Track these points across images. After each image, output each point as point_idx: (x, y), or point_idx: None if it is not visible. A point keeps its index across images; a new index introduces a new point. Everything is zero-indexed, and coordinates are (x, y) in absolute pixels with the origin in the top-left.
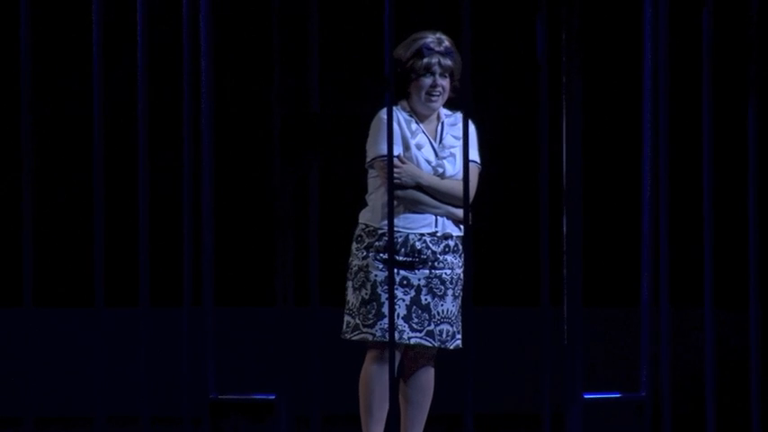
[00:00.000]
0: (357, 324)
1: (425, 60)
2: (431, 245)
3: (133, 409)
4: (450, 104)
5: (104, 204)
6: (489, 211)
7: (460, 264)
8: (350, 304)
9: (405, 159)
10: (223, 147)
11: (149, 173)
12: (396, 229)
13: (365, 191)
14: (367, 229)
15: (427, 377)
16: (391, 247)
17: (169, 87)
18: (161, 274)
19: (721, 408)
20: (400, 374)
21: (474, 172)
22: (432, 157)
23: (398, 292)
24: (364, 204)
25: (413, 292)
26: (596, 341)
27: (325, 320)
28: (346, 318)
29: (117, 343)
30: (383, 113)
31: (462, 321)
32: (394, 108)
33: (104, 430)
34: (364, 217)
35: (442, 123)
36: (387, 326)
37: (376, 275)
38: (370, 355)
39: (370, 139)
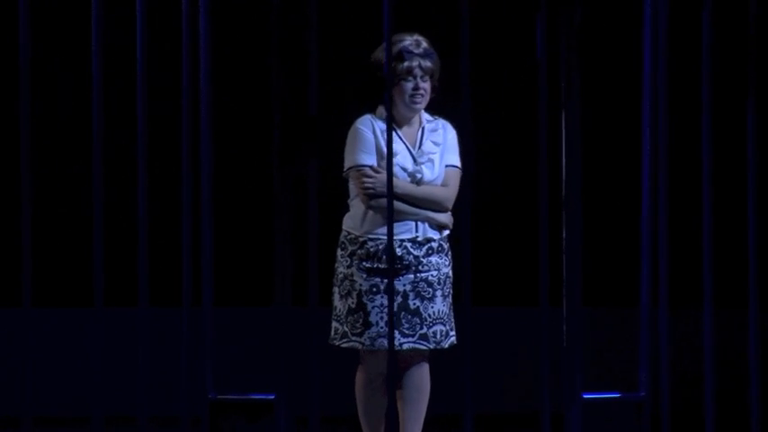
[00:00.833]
0: (345, 332)
1: (406, 64)
2: (412, 250)
3: (132, 408)
4: (431, 107)
5: (103, 204)
6: (488, 211)
7: (447, 263)
8: (337, 310)
9: (379, 169)
10: (222, 147)
11: (149, 173)
12: (375, 236)
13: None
14: (349, 237)
15: (421, 374)
16: (392, 250)
17: (168, 88)
18: (160, 274)
19: (720, 408)
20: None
21: (454, 177)
22: (408, 164)
23: (384, 300)
24: (347, 209)
25: (399, 299)
26: (595, 341)
27: (323, 321)
28: (334, 324)
29: (116, 343)
30: (359, 123)
31: (456, 320)
32: (370, 116)
33: (103, 430)
34: (346, 223)
35: (423, 129)
36: (375, 334)
37: (361, 285)
38: (360, 369)
39: (346, 149)
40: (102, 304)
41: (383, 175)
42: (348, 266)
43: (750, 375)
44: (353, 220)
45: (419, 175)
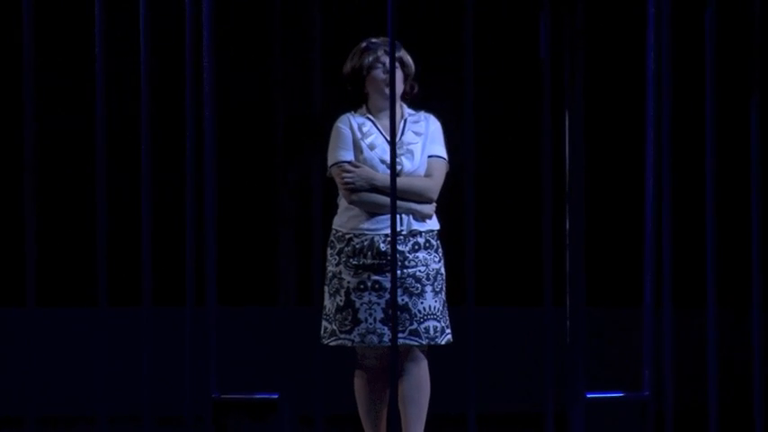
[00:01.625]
0: (334, 330)
1: (371, 54)
2: (397, 245)
3: (136, 408)
4: (416, 104)
5: (107, 204)
6: (491, 210)
7: (437, 259)
8: (326, 309)
9: (357, 164)
10: (226, 146)
11: (152, 173)
12: (360, 231)
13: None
14: (337, 234)
15: (419, 372)
16: (394, 249)
17: (172, 87)
18: (164, 273)
19: (724, 407)
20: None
21: (439, 167)
22: (388, 156)
23: (372, 297)
24: (336, 208)
25: (387, 295)
26: (599, 341)
27: None
28: (323, 323)
29: (120, 342)
30: (339, 122)
31: (459, 320)
32: (348, 114)
33: (107, 429)
34: (335, 222)
35: (405, 121)
36: (364, 331)
37: (349, 282)
38: (357, 370)
39: (328, 148)
40: (105, 304)
41: (362, 170)
42: (336, 264)
43: (753, 375)
44: (340, 217)
45: (399, 167)
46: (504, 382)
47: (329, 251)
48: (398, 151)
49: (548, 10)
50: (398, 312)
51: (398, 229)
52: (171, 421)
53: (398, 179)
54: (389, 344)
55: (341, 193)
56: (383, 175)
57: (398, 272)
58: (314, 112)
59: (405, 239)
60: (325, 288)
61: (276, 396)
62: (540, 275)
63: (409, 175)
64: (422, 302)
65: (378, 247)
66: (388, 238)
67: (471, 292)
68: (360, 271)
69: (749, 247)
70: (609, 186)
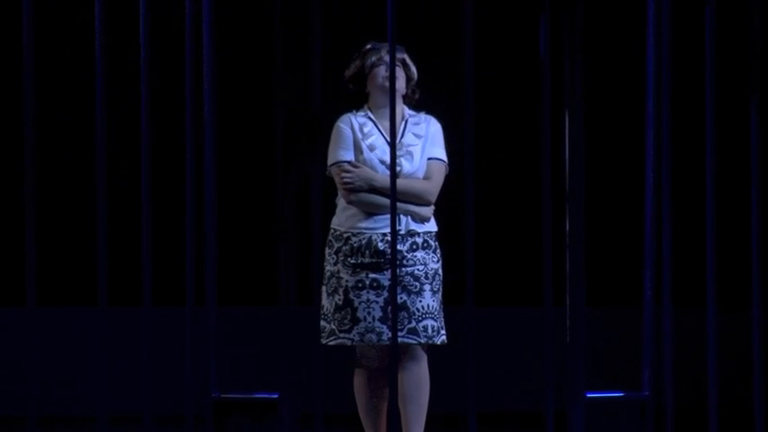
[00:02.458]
0: (333, 329)
1: (374, 54)
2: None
3: (136, 407)
4: (417, 106)
5: (107, 204)
6: (491, 211)
7: (435, 259)
8: (324, 309)
9: (357, 164)
10: (226, 146)
11: (152, 172)
12: (358, 230)
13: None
14: (335, 234)
15: (419, 371)
16: (393, 249)
17: (172, 87)
18: (164, 273)
19: (724, 407)
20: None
21: (439, 170)
22: (387, 157)
23: (371, 296)
24: (334, 208)
25: (386, 293)
26: (599, 340)
27: None
28: (322, 323)
29: (120, 342)
30: (340, 122)
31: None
32: (349, 114)
33: (107, 429)
34: (333, 222)
35: (406, 122)
36: (363, 329)
37: (347, 281)
38: (356, 368)
39: (329, 147)
40: (105, 303)
41: (361, 170)
42: (335, 264)
43: (753, 374)
44: (338, 216)
45: (398, 168)
46: (504, 381)
47: (327, 251)
48: (398, 152)
49: (547, 11)
50: (397, 311)
51: (397, 229)
52: (171, 421)
53: (398, 181)
54: (388, 342)
55: (340, 192)
56: (382, 176)
57: (396, 270)
58: (314, 111)
59: (403, 239)
60: (323, 288)
61: (276, 396)
62: (540, 275)
63: (408, 176)
64: (420, 301)
65: (376, 246)
66: (386, 237)
67: (471, 292)
68: (358, 270)
69: (749, 246)
70: (609, 186)
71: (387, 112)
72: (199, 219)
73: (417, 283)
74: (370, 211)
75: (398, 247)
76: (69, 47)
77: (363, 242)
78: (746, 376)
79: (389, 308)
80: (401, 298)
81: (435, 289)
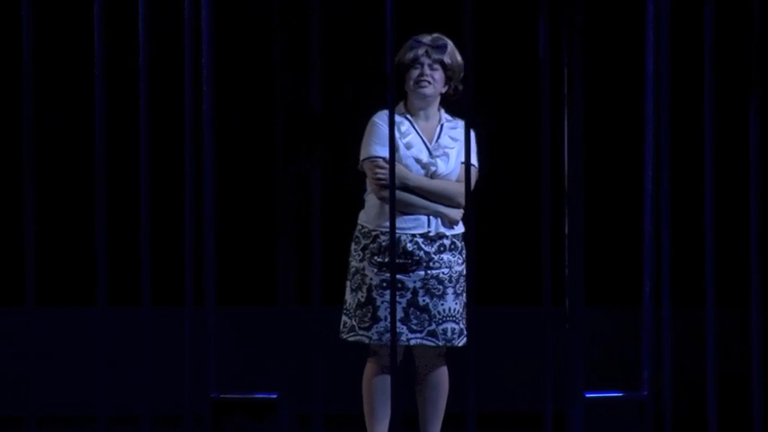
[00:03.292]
0: (353, 325)
1: (412, 53)
2: (423, 246)
3: (135, 407)
4: (452, 109)
5: (106, 203)
6: (490, 210)
7: (460, 261)
8: (347, 304)
9: None
10: (225, 146)
11: (152, 172)
12: (387, 229)
13: (365, 190)
14: (363, 230)
15: (439, 375)
16: (393, 248)
17: (171, 87)
18: (163, 273)
19: (723, 407)
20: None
21: (472, 175)
22: (423, 156)
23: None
24: (363, 204)
25: (409, 295)
26: (598, 340)
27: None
28: (343, 318)
29: (119, 342)
30: (376, 117)
31: (466, 320)
32: (387, 111)
33: (106, 429)
34: (361, 218)
35: (442, 125)
36: (383, 329)
37: (371, 279)
38: (369, 361)
39: (362, 142)
40: (104, 303)
41: (397, 168)
42: (360, 260)
43: (753, 374)
44: (367, 213)
45: (433, 168)
46: (504, 381)
47: (353, 246)
48: (435, 153)
49: (546, 11)
50: (418, 313)
51: (426, 231)
52: (170, 421)
53: (432, 181)
54: (407, 343)
55: (370, 188)
56: (416, 175)
57: (422, 272)
58: (313, 111)
59: (432, 241)
60: (347, 283)
61: (275, 396)
62: (540, 275)
63: (443, 178)
64: (442, 304)
65: (404, 246)
66: (416, 238)
67: (471, 293)
68: (384, 269)
69: (748, 246)
70: (608, 186)
71: (422, 114)
72: (198, 219)
73: (441, 287)
74: (401, 210)
75: (426, 248)
76: (68, 47)
77: None
78: (746, 376)
79: (411, 308)
80: (423, 300)
81: (459, 291)
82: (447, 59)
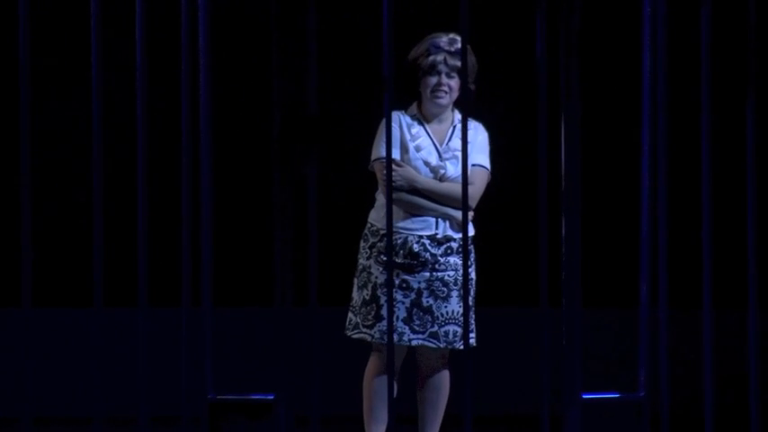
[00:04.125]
0: (358, 323)
1: (431, 58)
2: (430, 248)
3: (132, 409)
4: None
5: (103, 204)
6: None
7: (468, 264)
8: (353, 301)
9: (401, 163)
10: (222, 147)
11: (148, 173)
12: (396, 230)
13: (364, 190)
14: (372, 229)
15: (441, 378)
16: (390, 249)
17: (168, 87)
18: (160, 274)
19: (720, 408)
20: (416, 377)
21: (480, 176)
22: (433, 159)
23: (398, 295)
24: (374, 202)
25: (413, 295)
26: (595, 341)
27: (324, 320)
28: (349, 314)
29: (116, 343)
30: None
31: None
32: (398, 112)
33: (103, 430)
34: (371, 216)
35: (455, 127)
36: (385, 328)
37: (377, 277)
38: (372, 357)
39: (374, 143)
40: (101, 304)
41: (405, 169)
42: (367, 258)
43: (750, 376)
44: (377, 212)
45: (442, 171)
46: (501, 382)
47: (362, 244)
48: (445, 156)
49: (543, 11)
50: (421, 314)
51: (434, 233)
52: (167, 422)
53: (443, 184)
54: (408, 343)
55: (381, 188)
56: (425, 177)
57: (428, 274)
58: (310, 112)
59: (439, 243)
60: (354, 281)
61: (272, 397)
62: (537, 276)
63: (452, 180)
64: (446, 306)
65: (410, 247)
66: (423, 239)
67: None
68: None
69: (745, 247)
70: (605, 187)
71: (439, 118)
72: (195, 219)
73: (445, 289)
74: (409, 211)
75: (433, 250)
76: (65, 46)
77: (399, 242)
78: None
79: (414, 309)
80: (427, 302)
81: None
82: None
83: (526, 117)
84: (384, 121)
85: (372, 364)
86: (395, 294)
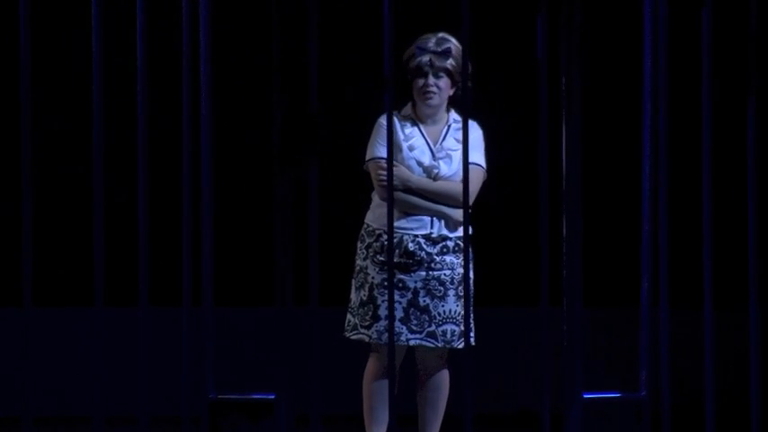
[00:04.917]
0: (356, 324)
1: (416, 60)
2: (425, 247)
3: (132, 408)
4: (456, 106)
5: (104, 204)
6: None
7: (462, 263)
8: (351, 302)
9: (396, 163)
10: (223, 147)
11: (149, 173)
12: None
13: (363, 190)
14: (368, 229)
15: (440, 378)
16: (390, 249)
17: (169, 87)
18: (160, 273)
19: (721, 407)
20: (416, 377)
21: (476, 174)
22: (426, 159)
23: (395, 295)
24: (370, 202)
25: (410, 295)
26: (596, 341)
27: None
28: (348, 315)
29: (116, 343)
30: (382, 118)
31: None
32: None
33: (103, 430)
34: (367, 217)
35: (449, 127)
36: (383, 328)
37: (373, 278)
38: (371, 358)
39: (369, 142)
40: (102, 304)
41: (399, 169)
42: (364, 259)
43: (750, 375)
44: (372, 212)
45: (435, 170)
46: (502, 382)
47: (359, 245)
48: (438, 155)
49: (544, 11)
50: (418, 313)
51: (429, 232)
52: (167, 422)
53: (436, 182)
54: (406, 343)
55: (375, 188)
56: (419, 177)
57: (424, 273)
58: (311, 112)
59: (434, 243)
60: (352, 281)
61: (273, 396)
62: (537, 276)
63: (446, 179)
64: (443, 305)
65: (406, 247)
66: (418, 239)
67: (469, 293)
68: (386, 268)
69: (746, 247)
70: (606, 187)
71: (427, 119)
72: (195, 219)
73: (442, 288)
74: (404, 210)
75: (428, 249)
76: (65, 47)
77: (395, 241)
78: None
79: (412, 309)
80: (424, 301)
81: (461, 293)
82: (452, 64)
83: (527, 116)
84: (378, 120)
85: (371, 364)
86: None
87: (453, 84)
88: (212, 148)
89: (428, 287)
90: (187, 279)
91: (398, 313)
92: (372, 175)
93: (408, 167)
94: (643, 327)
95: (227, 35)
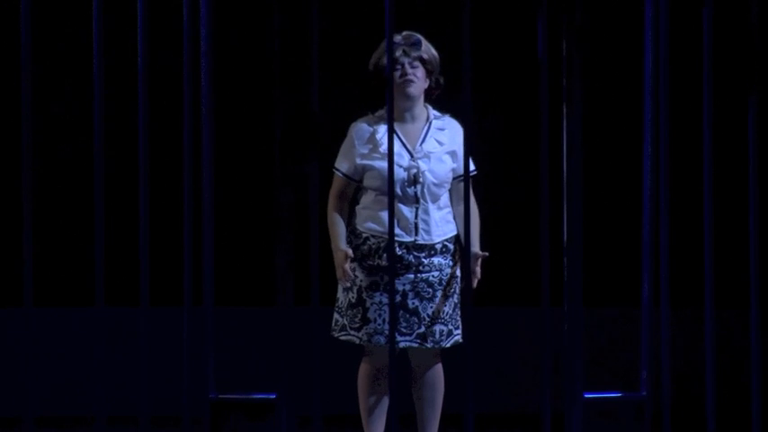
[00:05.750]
0: (345, 324)
1: (388, 56)
2: (412, 250)
3: (133, 408)
4: (439, 104)
5: (105, 204)
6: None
7: (450, 263)
8: (339, 302)
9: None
10: (223, 147)
11: (150, 172)
12: (378, 233)
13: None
14: (355, 232)
15: (434, 373)
16: (391, 249)
17: (170, 88)
18: (161, 273)
19: (722, 407)
20: (409, 374)
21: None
22: (404, 161)
23: (384, 298)
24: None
25: (399, 298)
26: (597, 341)
27: (325, 320)
28: (335, 315)
29: (117, 342)
30: (352, 128)
31: (463, 320)
32: (364, 120)
33: (105, 429)
34: (353, 219)
35: (429, 125)
36: (372, 330)
37: (362, 280)
38: (363, 360)
39: (341, 148)
40: (103, 304)
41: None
42: (352, 261)
43: (751, 374)
44: (359, 215)
45: (414, 170)
46: (503, 381)
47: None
48: (416, 155)
49: (545, 11)
50: (408, 315)
51: (413, 240)
52: (168, 421)
53: (474, 229)
54: (397, 346)
55: (364, 191)
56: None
57: (412, 276)
58: (312, 111)
59: (420, 248)
60: (340, 281)
61: (273, 396)
62: (538, 276)
63: (428, 184)
64: (431, 306)
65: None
66: (404, 243)
67: (470, 293)
68: (373, 271)
69: (747, 247)
70: (607, 187)
71: (408, 115)
72: (196, 219)
73: (430, 290)
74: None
75: (416, 253)
76: (66, 46)
77: (382, 245)
78: (744, 376)
79: (400, 312)
80: (413, 303)
81: (449, 293)
82: (425, 55)
83: (528, 116)
84: (349, 131)
85: (364, 366)
86: (380, 297)
87: (428, 75)
88: (213, 149)
89: (416, 289)
90: (188, 279)
91: (387, 315)
92: (335, 186)
93: (380, 171)
94: (644, 327)
95: (229, 35)
